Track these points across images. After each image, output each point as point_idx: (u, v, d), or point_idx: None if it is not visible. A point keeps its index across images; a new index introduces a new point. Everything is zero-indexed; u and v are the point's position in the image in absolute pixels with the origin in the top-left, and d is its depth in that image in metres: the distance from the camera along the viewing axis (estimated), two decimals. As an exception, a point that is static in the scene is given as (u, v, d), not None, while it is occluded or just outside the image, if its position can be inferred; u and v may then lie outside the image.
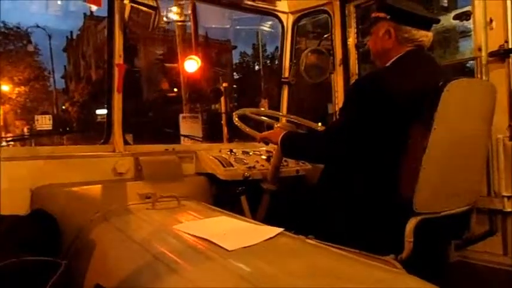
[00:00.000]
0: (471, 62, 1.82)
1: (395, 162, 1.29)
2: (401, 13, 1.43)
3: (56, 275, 0.97)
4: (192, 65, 4.98)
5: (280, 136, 1.65)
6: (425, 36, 1.45)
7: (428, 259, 1.38)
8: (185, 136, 2.83)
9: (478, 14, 1.72)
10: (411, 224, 1.22)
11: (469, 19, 1.76)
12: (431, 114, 1.19)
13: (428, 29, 1.45)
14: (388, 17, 1.45)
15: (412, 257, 1.22)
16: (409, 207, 1.21)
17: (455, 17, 1.82)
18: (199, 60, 4.93)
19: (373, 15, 1.53)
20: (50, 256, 1.10)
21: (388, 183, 1.30)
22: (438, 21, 1.49)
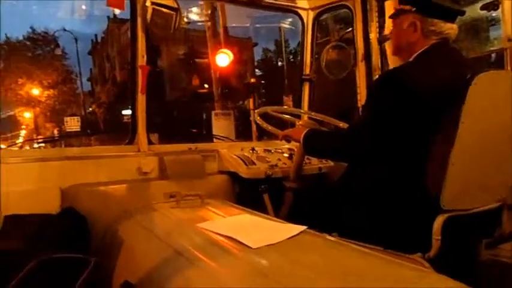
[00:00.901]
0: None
1: (421, 158, 1.26)
2: (428, 5, 1.39)
3: (86, 271, 1.01)
4: (223, 59, 4.91)
5: (303, 134, 1.64)
6: (451, 29, 1.40)
7: (458, 257, 1.34)
8: (217, 137, 2.72)
9: (506, 3, 1.66)
10: (439, 221, 1.19)
11: (497, 9, 1.69)
12: (458, 108, 1.16)
13: (453, 21, 1.41)
14: (414, 9, 1.41)
15: (440, 256, 1.19)
16: (437, 203, 1.19)
17: (483, 7, 1.76)
18: (231, 54, 4.86)
19: (397, 7, 1.49)
20: (80, 253, 1.14)
21: (415, 179, 1.27)
22: (464, 13, 1.45)
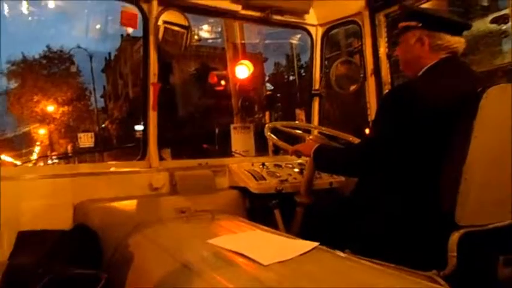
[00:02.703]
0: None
1: (434, 174, 1.24)
2: (434, 20, 1.40)
3: (97, 287, 1.01)
4: (243, 70, 4.79)
5: (313, 149, 1.63)
6: (459, 42, 1.40)
7: (474, 275, 1.30)
8: (237, 153, 2.71)
9: (517, 16, 1.65)
10: (454, 237, 1.17)
11: (508, 22, 1.69)
12: (470, 123, 1.15)
13: (461, 34, 1.41)
14: (420, 24, 1.42)
15: (456, 273, 1.16)
16: (451, 219, 1.16)
17: (493, 21, 1.76)
18: (251, 66, 4.74)
19: (403, 24, 1.49)
20: (92, 269, 1.14)
21: (428, 195, 1.25)
22: (470, 26, 1.45)
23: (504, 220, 1.28)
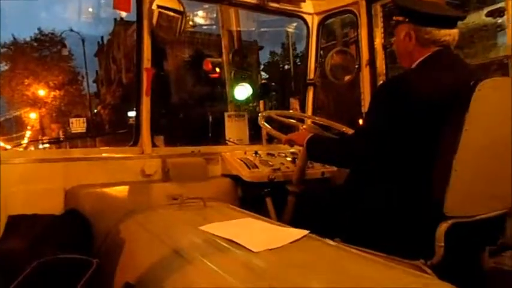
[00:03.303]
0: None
1: (425, 165, 1.26)
2: (419, 15, 1.40)
3: (88, 273, 1.01)
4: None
5: (306, 139, 1.64)
6: (448, 35, 1.40)
7: (461, 265, 1.33)
8: (231, 141, 2.73)
9: (512, 9, 1.65)
10: (442, 227, 1.19)
11: (503, 15, 1.69)
12: (462, 115, 1.16)
13: (451, 27, 1.41)
14: (407, 19, 1.43)
15: (443, 263, 1.18)
16: (440, 210, 1.18)
17: (488, 14, 1.76)
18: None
19: (394, 18, 1.51)
20: (83, 254, 1.14)
21: (418, 185, 1.27)
22: (463, 17, 1.45)
23: (491, 212, 1.31)
